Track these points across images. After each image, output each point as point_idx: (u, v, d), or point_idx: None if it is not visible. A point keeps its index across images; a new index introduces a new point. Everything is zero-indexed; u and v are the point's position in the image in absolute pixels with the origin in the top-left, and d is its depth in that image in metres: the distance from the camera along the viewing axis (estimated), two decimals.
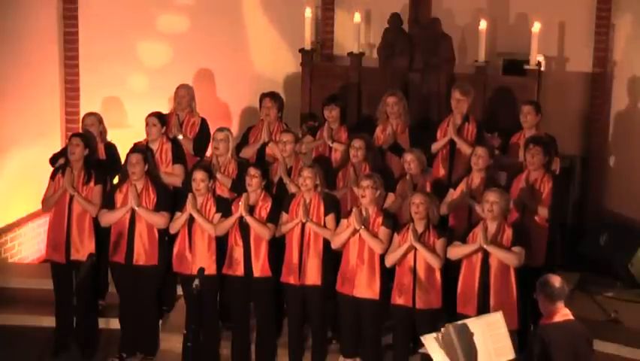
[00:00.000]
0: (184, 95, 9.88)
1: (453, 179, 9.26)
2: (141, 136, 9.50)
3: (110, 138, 9.74)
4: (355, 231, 8.23)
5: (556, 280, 6.54)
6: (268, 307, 8.70)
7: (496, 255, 7.94)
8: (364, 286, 8.26)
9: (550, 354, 6.34)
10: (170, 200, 8.84)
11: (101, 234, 8.89)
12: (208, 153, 9.74)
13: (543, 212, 8.62)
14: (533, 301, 7.79)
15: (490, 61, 10.86)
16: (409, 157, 8.85)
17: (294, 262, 8.49)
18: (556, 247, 8.94)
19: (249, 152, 9.67)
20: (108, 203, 8.79)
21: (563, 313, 6.51)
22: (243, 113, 12.16)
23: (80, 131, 9.68)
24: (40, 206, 9.28)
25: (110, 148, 9.63)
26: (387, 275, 8.30)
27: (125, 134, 10.34)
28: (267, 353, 8.80)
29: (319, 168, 8.57)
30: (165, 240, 8.81)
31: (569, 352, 6.41)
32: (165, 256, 8.77)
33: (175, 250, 8.72)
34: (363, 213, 8.29)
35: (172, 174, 9.30)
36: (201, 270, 8.23)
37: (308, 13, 11.09)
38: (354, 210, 8.28)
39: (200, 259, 8.57)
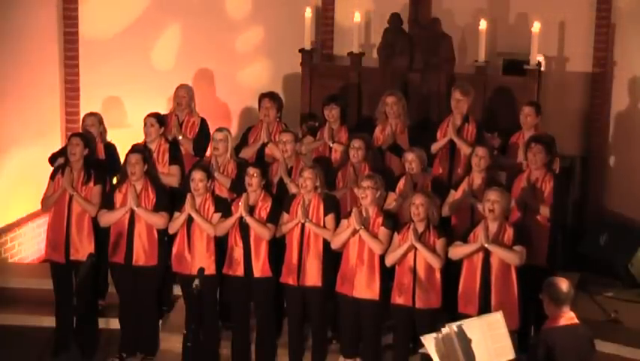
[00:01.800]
0: (184, 96, 9.88)
1: (452, 179, 9.27)
2: (141, 136, 9.50)
3: (109, 138, 9.74)
4: (355, 231, 8.23)
5: (563, 284, 6.47)
6: (268, 307, 8.70)
7: (498, 254, 7.94)
8: (364, 287, 8.26)
9: (555, 358, 6.32)
10: (170, 200, 8.84)
11: (101, 234, 8.88)
12: (208, 153, 9.74)
13: (545, 211, 8.62)
14: (535, 301, 7.78)
15: (490, 61, 10.86)
16: (410, 157, 8.84)
17: (293, 262, 8.48)
18: (557, 246, 8.93)
19: (248, 152, 9.67)
20: (107, 203, 8.79)
21: (568, 317, 6.45)
22: (243, 114, 12.16)
23: (80, 131, 9.68)
24: (40, 206, 9.28)
25: (110, 148, 9.63)
26: (387, 275, 8.30)
27: (125, 134, 10.34)
28: (267, 353, 8.80)
29: (320, 169, 8.57)
30: (165, 240, 8.80)
31: (573, 356, 6.38)
32: (165, 257, 8.76)
33: (174, 251, 8.72)
34: (364, 213, 8.29)
35: (169, 175, 9.30)
36: (201, 270, 8.23)
37: (308, 13, 11.09)
38: (353, 210, 8.27)
39: (199, 259, 8.57)
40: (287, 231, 8.50)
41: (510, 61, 11.32)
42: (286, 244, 8.55)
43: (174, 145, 9.52)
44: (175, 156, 9.41)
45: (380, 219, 8.27)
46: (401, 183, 8.88)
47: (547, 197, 8.66)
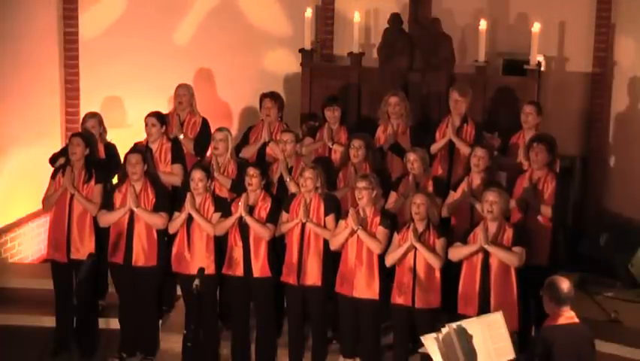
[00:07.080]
0: (184, 94, 9.89)
1: (452, 180, 9.26)
2: (141, 136, 9.50)
3: (110, 137, 9.74)
4: (353, 232, 8.23)
5: (564, 284, 6.45)
6: (268, 307, 8.70)
7: (497, 255, 7.94)
8: (363, 287, 8.26)
9: (553, 356, 6.32)
10: (169, 200, 8.84)
11: (102, 234, 8.89)
12: (209, 154, 9.74)
13: (547, 211, 8.61)
14: (536, 301, 7.77)
15: (490, 61, 10.85)
16: (412, 157, 8.83)
17: (293, 262, 8.49)
18: (559, 246, 8.92)
19: (249, 151, 9.68)
20: (107, 203, 8.79)
21: (568, 316, 6.45)
22: (243, 113, 12.17)
23: (80, 131, 9.68)
24: (40, 206, 9.28)
25: (110, 148, 9.64)
26: (387, 275, 8.31)
27: (125, 134, 10.35)
28: (267, 353, 8.80)
29: (320, 169, 8.56)
30: (164, 240, 8.80)
31: (572, 355, 6.38)
32: (164, 257, 8.76)
33: (174, 251, 8.72)
34: (361, 213, 8.29)
35: (171, 174, 9.31)
36: (201, 270, 8.23)
37: (308, 13, 11.10)
38: (350, 210, 8.27)
39: (198, 259, 8.57)
40: (286, 230, 8.50)
41: (510, 61, 11.32)
42: (286, 243, 8.56)
43: (176, 144, 9.52)
44: (177, 155, 9.41)
45: (377, 219, 8.27)
46: (403, 184, 8.87)
47: (549, 197, 8.65)
